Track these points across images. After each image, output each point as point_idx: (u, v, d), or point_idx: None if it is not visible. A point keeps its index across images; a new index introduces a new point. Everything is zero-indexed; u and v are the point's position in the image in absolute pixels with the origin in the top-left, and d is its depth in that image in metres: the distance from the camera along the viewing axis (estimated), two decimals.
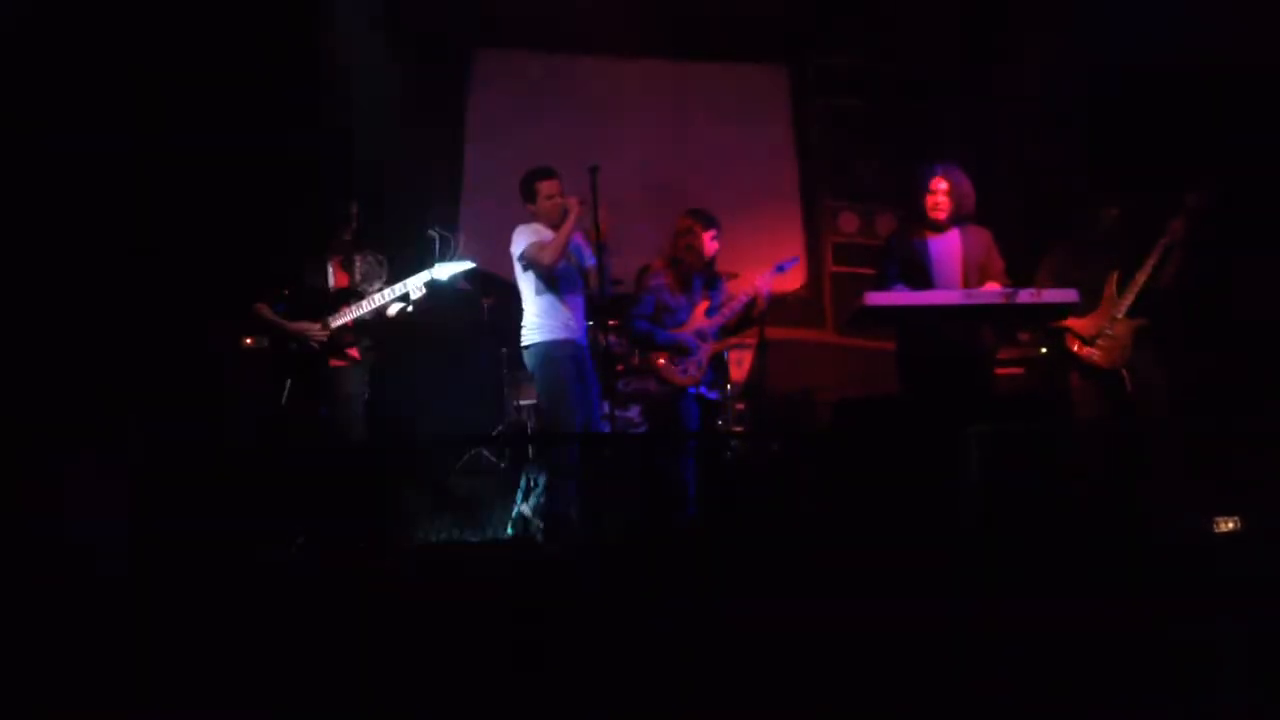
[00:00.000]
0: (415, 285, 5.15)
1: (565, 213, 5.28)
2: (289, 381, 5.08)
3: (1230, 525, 4.20)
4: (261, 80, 6.31)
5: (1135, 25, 6.02)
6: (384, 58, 6.97)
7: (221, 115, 6.15)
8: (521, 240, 5.36)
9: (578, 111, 7.70)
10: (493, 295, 6.66)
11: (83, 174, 5.71)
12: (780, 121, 8.10)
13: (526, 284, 5.39)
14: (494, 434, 6.64)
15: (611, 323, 5.66)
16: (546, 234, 5.35)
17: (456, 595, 3.73)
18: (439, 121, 7.65)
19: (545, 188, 5.39)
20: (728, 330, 5.48)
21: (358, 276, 5.27)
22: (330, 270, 5.26)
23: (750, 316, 5.45)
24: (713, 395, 5.45)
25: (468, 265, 5.35)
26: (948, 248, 5.17)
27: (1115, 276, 5.16)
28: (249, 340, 5.17)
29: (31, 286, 5.56)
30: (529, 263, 5.32)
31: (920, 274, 5.14)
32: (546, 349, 5.28)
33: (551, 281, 5.30)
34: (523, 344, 5.39)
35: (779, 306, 6.80)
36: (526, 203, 5.46)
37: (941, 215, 5.14)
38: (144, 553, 3.89)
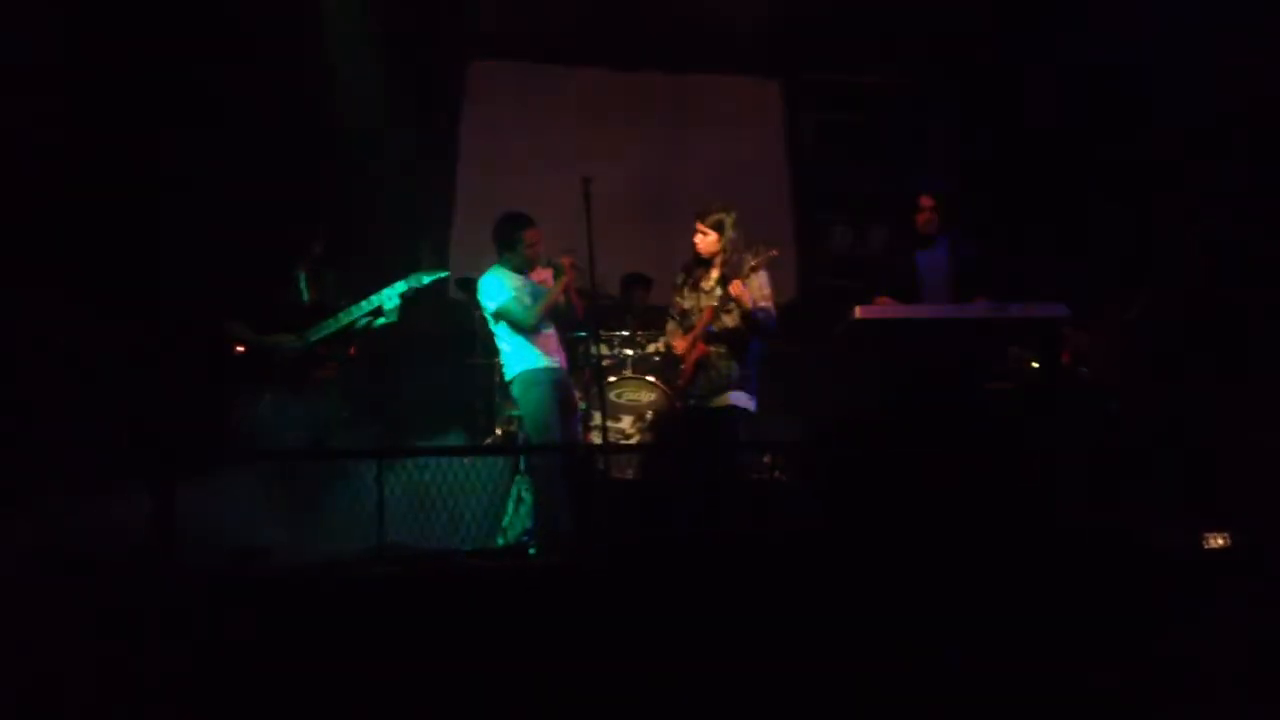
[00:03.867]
0: (388, 297, 5.14)
1: (551, 267, 5.37)
2: (268, 395, 5.06)
3: (1220, 542, 4.22)
4: (242, 90, 6.32)
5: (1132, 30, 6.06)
6: (377, 69, 6.98)
7: (201, 123, 6.17)
8: (500, 294, 5.38)
9: (570, 123, 7.70)
10: None
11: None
12: (773, 134, 8.11)
13: (501, 328, 5.45)
14: (485, 444, 6.62)
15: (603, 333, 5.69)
16: (521, 283, 5.40)
17: (447, 604, 3.73)
18: (433, 132, 7.65)
19: (529, 236, 5.42)
20: (725, 337, 5.17)
21: (330, 290, 5.26)
22: (302, 285, 5.24)
23: (745, 324, 5.12)
24: (712, 404, 5.15)
25: (442, 274, 5.39)
26: (936, 261, 5.26)
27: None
28: (240, 348, 5.15)
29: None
30: (506, 318, 5.36)
31: (909, 288, 5.23)
32: (529, 376, 5.37)
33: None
34: (506, 378, 5.48)
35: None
36: (504, 250, 5.47)
37: (931, 231, 5.26)
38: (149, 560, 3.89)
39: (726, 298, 5.07)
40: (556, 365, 5.45)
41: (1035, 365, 6.32)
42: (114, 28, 5.97)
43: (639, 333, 6.59)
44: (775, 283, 5.32)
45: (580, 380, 5.99)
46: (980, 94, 7.36)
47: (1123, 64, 6.23)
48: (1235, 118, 5.89)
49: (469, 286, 6.70)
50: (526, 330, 5.37)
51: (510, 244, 5.44)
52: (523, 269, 5.47)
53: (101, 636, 3.49)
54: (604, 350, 6.18)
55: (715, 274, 5.19)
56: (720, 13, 7.71)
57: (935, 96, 7.72)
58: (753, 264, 5.00)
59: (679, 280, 5.37)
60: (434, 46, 7.57)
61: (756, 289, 5.04)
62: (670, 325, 5.38)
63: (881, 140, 7.89)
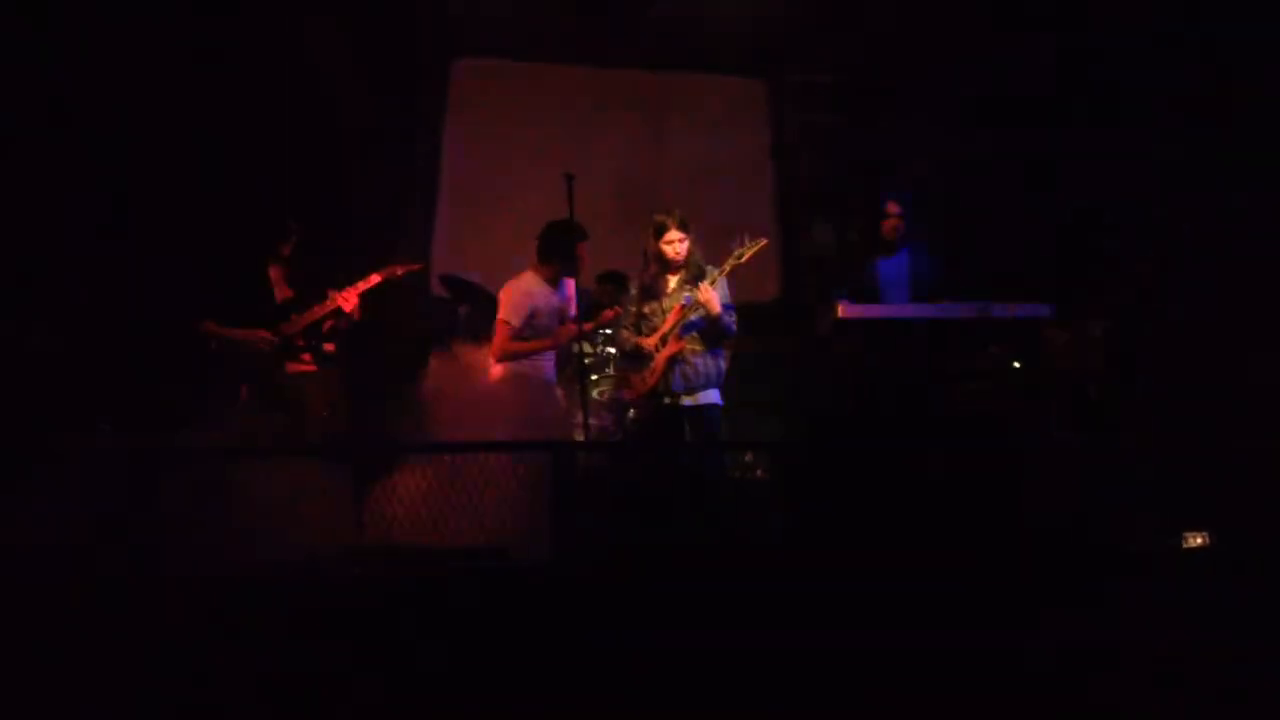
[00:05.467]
0: (347, 297, 5.14)
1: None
2: (245, 390, 5.06)
3: (1199, 541, 4.23)
4: (222, 87, 6.29)
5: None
6: (359, 67, 6.96)
7: (178, 119, 6.14)
8: (511, 314, 5.37)
9: (554, 120, 7.68)
10: (467, 302, 6.63)
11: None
12: (758, 133, 8.09)
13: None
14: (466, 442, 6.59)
15: (586, 327, 5.67)
16: (540, 307, 5.37)
17: (427, 601, 3.71)
18: (416, 130, 7.63)
19: (584, 250, 5.42)
20: (699, 330, 5.14)
21: (301, 287, 5.25)
22: (273, 282, 5.26)
23: (713, 320, 5.08)
24: (689, 401, 5.15)
25: (413, 267, 5.41)
26: (896, 268, 5.32)
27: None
28: (214, 345, 5.14)
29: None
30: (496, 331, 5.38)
31: (870, 293, 5.29)
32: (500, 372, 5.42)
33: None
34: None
35: (751, 317, 6.80)
36: (553, 259, 5.44)
37: (897, 237, 5.42)
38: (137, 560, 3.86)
39: (693, 298, 5.05)
40: (530, 370, 5.47)
41: (1017, 365, 6.35)
42: (97, 27, 5.95)
43: (623, 331, 6.57)
44: (757, 282, 5.35)
45: (563, 378, 5.97)
46: (966, 95, 7.37)
47: (1112, 63, 6.25)
48: (1227, 113, 5.91)
49: (451, 283, 6.70)
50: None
51: (564, 256, 5.39)
52: (561, 276, 5.47)
53: (86, 632, 3.47)
54: (586, 348, 6.16)
55: (674, 279, 5.19)
56: (707, 12, 7.71)
57: (922, 97, 7.72)
58: (739, 254, 4.98)
59: (636, 290, 5.35)
60: (417, 44, 7.54)
61: (722, 291, 5.03)
62: (624, 333, 5.35)
63: (866, 142, 7.88)
